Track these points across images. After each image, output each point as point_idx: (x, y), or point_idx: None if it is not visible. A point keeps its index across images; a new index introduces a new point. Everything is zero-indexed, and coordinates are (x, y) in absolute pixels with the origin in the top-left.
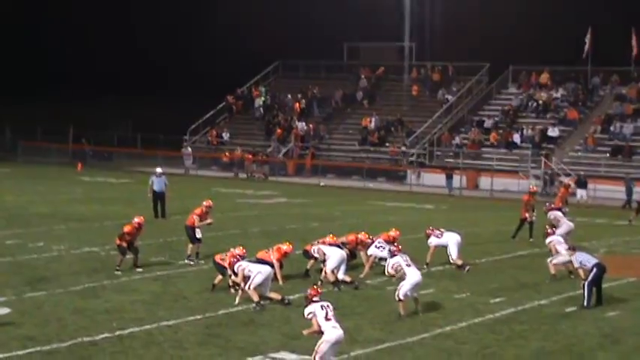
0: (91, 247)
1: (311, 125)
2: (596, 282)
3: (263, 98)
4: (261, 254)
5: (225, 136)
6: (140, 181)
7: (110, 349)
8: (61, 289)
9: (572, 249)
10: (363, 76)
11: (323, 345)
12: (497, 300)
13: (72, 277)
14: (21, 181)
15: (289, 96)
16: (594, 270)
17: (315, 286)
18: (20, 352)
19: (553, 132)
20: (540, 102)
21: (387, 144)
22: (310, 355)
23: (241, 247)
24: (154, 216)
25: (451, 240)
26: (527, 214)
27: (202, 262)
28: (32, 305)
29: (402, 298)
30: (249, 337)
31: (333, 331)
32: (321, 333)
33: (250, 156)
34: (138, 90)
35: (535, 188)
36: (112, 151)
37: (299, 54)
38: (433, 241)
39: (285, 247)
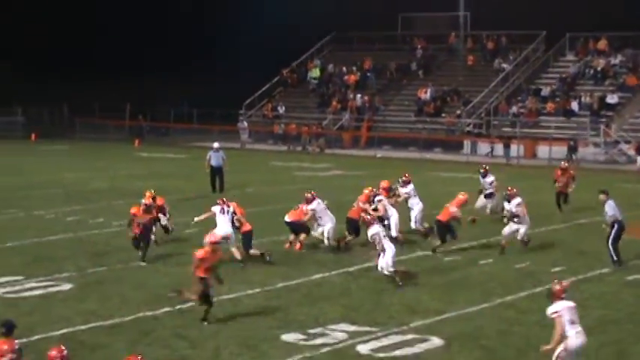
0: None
1: (366, 97)
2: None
3: (317, 71)
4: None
5: (281, 109)
6: (197, 156)
7: (171, 323)
8: (121, 264)
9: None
10: (418, 47)
11: (563, 353)
12: (558, 269)
13: (132, 252)
14: (79, 158)
15: (344, 68)
16: (615, 226)
17: (561, 282)
18: (83, 327)
19: (612, 99)
20: (598, 69)
21: (443, 114)
22: (370, 326)
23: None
24: (212, 190)
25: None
26: (560, 187)
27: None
28: (94, 280)
29: (392, 269)
30: (308, 309)
31: (577, 338)
32: (563, 338)
33: (306, 129)
34: (193, 66)
35: (565, 165)
36: (168, 127)
37: (353, 26)
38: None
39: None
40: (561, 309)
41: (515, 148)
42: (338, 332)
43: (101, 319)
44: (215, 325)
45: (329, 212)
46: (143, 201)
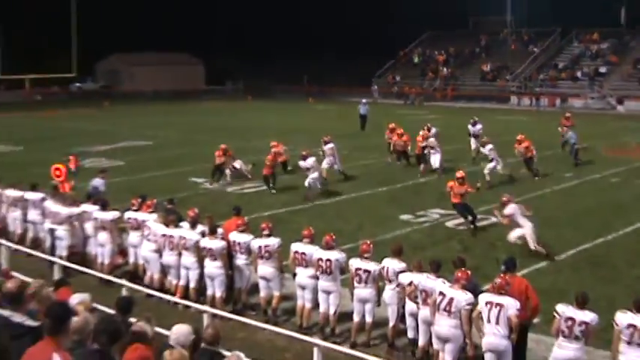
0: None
1: (450, 69)
2: None
3: (418, 56)
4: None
5: (397, 78)
6: (347, 107)
7: (334, 208)
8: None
9: None
10: (482, 39)
11: None
12: None
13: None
14: (276, 110)
15: (435, 52)
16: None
17: None
18: (282, 210)
19: (602, 70)
20: (593, 51)
21: (497, 80)
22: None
23: None
24: (361, 129)
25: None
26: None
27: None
28: (286, 182)
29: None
30: (415, 199)
31: None
32: None
33: (414, 90)
34: (345, 47)
35: (568, 114)
36: (329, 90)
37: (441, 25)
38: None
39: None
40: None
41: (542, 101)
42: (434, 214)
43: (292, 205)
44: (359, 209)
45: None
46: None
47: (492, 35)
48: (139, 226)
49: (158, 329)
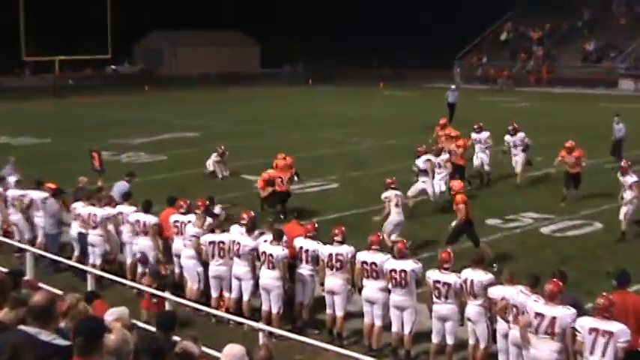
0: (391, 140)
1: (545, 49)
2: None
3: (507, 33)
4: None
5: (484, 59)
6: (427, 94)
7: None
8: (375, 169)
9: None
10: (584, 12)
11: None
12: None
13: (380, 161)
14: (340, 97)
15: (529, 29)
16: None
17: None
18: (347, 213)
19: None
20: None
21: (602, 61)
22: (549, 214)
23: None
24: (449, 120)
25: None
26: None
27: None
28: (353, 181)
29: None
30: (504, 201)
31: None
32: None
33: (503, 73)
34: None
35: None
36: (406, 72)
37: None
38: None
39: None
40: None
41: None
42: (526, 218)
43: (360, 207)
44: (438, 212)
45: None
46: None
47: (597, 8)
48: (184, 231)
49: (206, 349)
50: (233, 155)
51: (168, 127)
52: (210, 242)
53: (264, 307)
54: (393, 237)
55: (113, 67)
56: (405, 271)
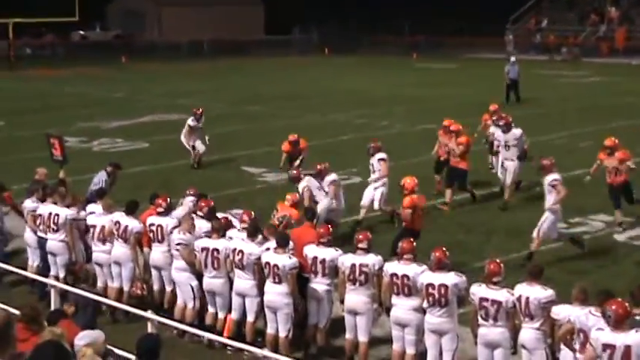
0: (425, 123)
1: (622, 10)
2: None
3: None
4: None
5: (544, 23)
6: (467, 66)
7: (451, 212)
8: (404, 160)
9: None
10: None
11: None
12: None
13: (414, 149)
14: (365, 70)
15: None
16: None
17: None
18: (372, 214)
19: None
20: None
21: None
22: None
23: None
24: (505, 101)
25: None
26: None
27: None
28: None
29: None
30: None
31: None
32: None
33: (568, 40)
34: None
35: None
36: (444, 40)
37: None
38: None
39: None
40: None
41: None
42: (596, 222)
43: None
44: (485, 214)
45: None
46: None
47: None
48: (163, 237)
49: None
50: (231, 143)
51: (150, 107)
52: (203, 249)
53: (270, 330)
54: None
55: (82, 32)
56: (445, 287)
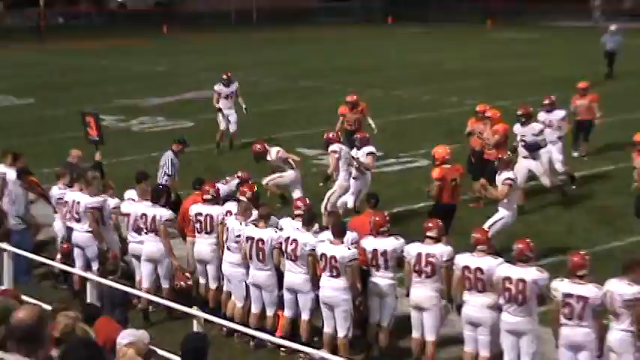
0: (502, 100)
1: None
2: None
3: None
4: None
5: None
6: (550, 36)
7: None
8: None
9: None
10: None
11: None
12: None
13: None
14: (433, 40)
15: None
16: None
17: None
18: None
19: None
20: None
21: None
22: None
23: None
24: (606, 76)
25: None
26: None
27: None
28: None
29: None
30: None
31: None
32: None
33: None
34: None
35: None
36: (523, 5)
37: None
38: None
39: None
40: None
41: None
42: None
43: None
44: (569, 203)
45: None
46: None
47: None
48: (212, 227)
49: None
50: (284, 122)
51: (195, 82)
52: (248, 238)
53: (327, 330)
54: None
55: (119, 0)
56: (523, 282)
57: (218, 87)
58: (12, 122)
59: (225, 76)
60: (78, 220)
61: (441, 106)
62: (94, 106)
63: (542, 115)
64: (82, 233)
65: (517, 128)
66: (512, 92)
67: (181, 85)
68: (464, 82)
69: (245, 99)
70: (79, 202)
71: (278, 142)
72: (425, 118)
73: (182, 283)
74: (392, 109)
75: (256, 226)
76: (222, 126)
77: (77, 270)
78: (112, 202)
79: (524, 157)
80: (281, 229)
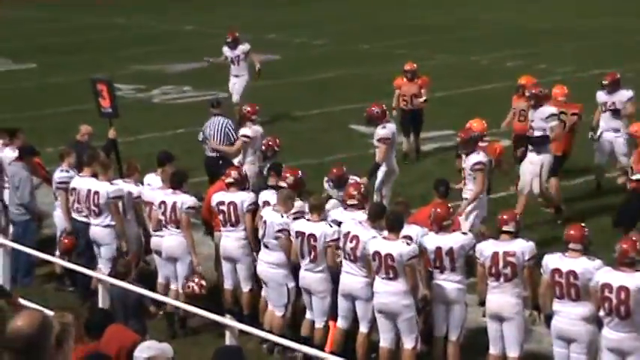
0: (602, 68)
1: None
2: None
3: None
4: None
5: None
6: None
7: None
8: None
9: None
10: None
11: None
12: None
13: (582, 102)
14: None
15: None
16: None
17: None
18: None
19: None
20: None
21: None
22: None
23: None
24: None
25: None
26: None
27: None
28: None
29: None
30: None
31: None
32: None
33: None
34: None
35: None
36: None
37: None
38: None
39: None
40: None
41: None
42: None
43: None
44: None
45: None
46: None
47: None
48: (237, 218)
49: None
50: (336, 93)
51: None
52: (299, 234)
53: (384, 344)
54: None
55: None
56: (626, 290)
57: (225, 50)
58: (9, 92)
59: (230, 37)
60: (97, 214)
61: (528, 73)
62: (108, 72)
63: (601, 96)
64: (100, 228)
65: (601, 96)
66: (613, 57)
67: (212, 48)
68: (553, 45)
69: (262, 61)
70: (97, 192)
71: (334, 116)
72: (506, 88)
73: (195, 286)
74: (468, 77)
75: (308, 219)
76: (234, 98)
77: (82, 269)
78: (134, 189)
79: (606, 131)
80: (338, 224)
